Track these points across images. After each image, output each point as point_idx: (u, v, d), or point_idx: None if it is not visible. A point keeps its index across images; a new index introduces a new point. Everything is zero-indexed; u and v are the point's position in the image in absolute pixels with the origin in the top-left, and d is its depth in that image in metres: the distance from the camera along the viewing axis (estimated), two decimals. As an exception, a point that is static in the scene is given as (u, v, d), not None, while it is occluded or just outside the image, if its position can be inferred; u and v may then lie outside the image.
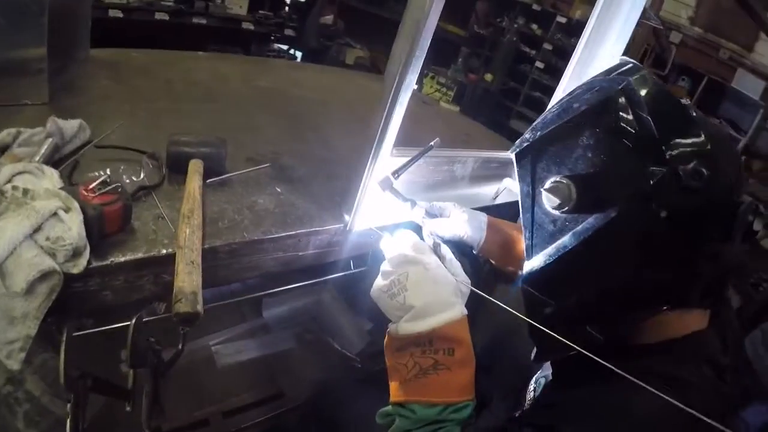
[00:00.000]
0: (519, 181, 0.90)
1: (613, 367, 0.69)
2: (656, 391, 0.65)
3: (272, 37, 5.41)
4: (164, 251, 0.97)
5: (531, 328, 0.84)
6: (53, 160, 1.16)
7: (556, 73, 6.73)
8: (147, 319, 0.93)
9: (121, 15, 4.06)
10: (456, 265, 1.01)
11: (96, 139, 1.29)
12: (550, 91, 6.64)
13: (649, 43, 5.61)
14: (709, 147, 0.74)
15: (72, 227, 0.86)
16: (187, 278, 0.87)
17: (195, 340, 1.73)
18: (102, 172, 1.11)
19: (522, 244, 0.96)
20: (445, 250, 1.02)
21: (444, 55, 7.19)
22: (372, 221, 1.25)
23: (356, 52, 5.90)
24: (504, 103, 7.25)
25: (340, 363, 1.86)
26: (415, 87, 1.07)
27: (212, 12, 4.63)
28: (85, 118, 1.31)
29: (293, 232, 1.17)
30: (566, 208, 0.80)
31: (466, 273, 1.03)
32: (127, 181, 1.14)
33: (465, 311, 0.91)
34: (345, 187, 1.30)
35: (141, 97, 1.67)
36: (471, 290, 0.99)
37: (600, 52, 1.76)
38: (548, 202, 0.82)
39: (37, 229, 0.85)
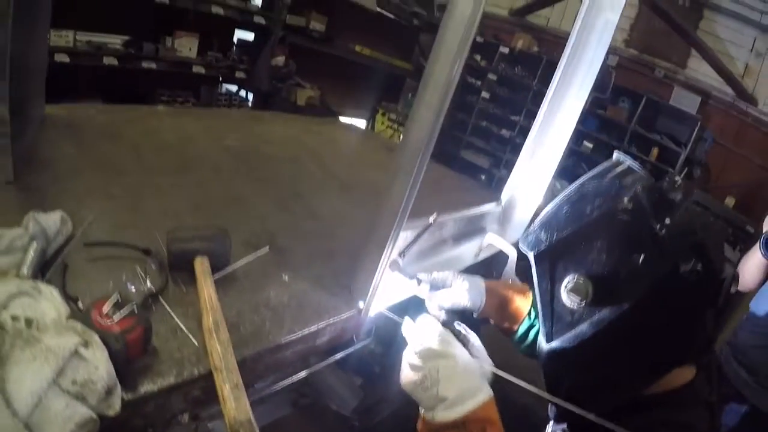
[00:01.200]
0: (537, 278, 1.00)
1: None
2: None
3: (221, 80, 5.36)
4: (196, 372, 0.91)
5: (551, 394, 0.97)
6: (40, 264, 1.06)
7: (501, 101, 7.00)
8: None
9: (67, 60, 3.89)
10: (480, 349, 1.06)
11: (79, 231, 1.20)
12: (496, 120, 6.92)
13: None
14: (704, 245, 0.84)
15: (99, 365, 0.78)
16: (237, 405, 0.82)
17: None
18: (109, 285, 1.01)
19: (515, 302, 1.33)
20: (473, 338, 1.07)
21: (392, 89, 7.32)
22: (382, 302, 1.27)
23: (307, 92, 5.90)
24: (452, 134, 7.40)
25: (337, 424, 1.86)
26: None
27: (162, 56, 4.51)
28: (58, 200, 1.25)
29: (314, 328, 1.15)
30: (583, 304, 0.90)
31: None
32: (132, 289, 1.06)
33: (491, 392, 0.97)
34: (347, 266, 1.32)
35: (112, 169, 1.59)
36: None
37: (569, 92, 1.91)
38: (567, 298, 0.91)
39: (60, 373, 0.76)
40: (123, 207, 1.38)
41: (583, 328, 0.90)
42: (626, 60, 6.47)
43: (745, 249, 2.66)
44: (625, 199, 0.88)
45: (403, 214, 1.09)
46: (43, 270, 1.06)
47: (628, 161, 0.98)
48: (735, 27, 5.87)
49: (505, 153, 6.91)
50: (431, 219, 1.30)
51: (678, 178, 0.93)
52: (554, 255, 0.96)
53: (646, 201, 0.88)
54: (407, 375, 0.98)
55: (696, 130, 5.58)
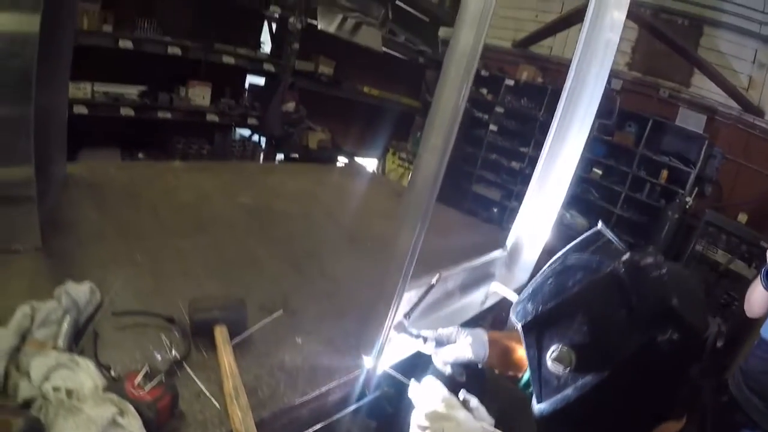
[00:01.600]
0: (526, 346, 1.05)
1: None
2: None
3: (234, 126, 5.51)
4: None
5: None
6: (73, 334, 1.16)
7: (509, 133, 7.08)
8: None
9: (86, 111, 4.03)
10: (482, 411, 1.14)
11: (106, 300, 1.30)
12: (505, 152, 7.01)
13: None
14: (680, 313, 0.89)
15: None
16: None
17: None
18: (140, 356, 1.11)
19: (518, 352, 1.37)
20: (474, 401, 1.15)
21: (401, 128, 7.44)
22: (390, 358, 1.36)
23: (318, 135, 6.06)
24: (464, 169, 7.50)
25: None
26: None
27: (176, 105, 4.66)
28: (84, 267, 1.35)
29: (326, 388, 1.25)
30: (567, 370, 0.96)
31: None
32: (159, 357, 1.15)
33: None
34: (357, 326, 1.42)
35: (133, 233, 1.69)
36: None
37: (575, 116, 2.01)
38: (552, 365, 0.98)
39: (99, 439, 0.85)
40: (146, 273, 1.48)
41: (569, 392, 0.96)
42: (630, 83, 6.51)
43: (759, 266, 2.63)
44: (603, 274, 0.95)
45: (405, 278, 1.18)
46: (76, 339, 1.16)
47: (608, 234, 1.05)
48: (736, 40, 5.89)
49: (515, 185, 6.95)
50: (434, 280, 1.39)
51: (652, 249, 1.00)
52: (540, 325, 1.02)
53: (623, 274, 0.94)
54: None
55: (704, 148, 5.58)
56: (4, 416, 0.86)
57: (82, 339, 1.17)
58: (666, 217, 5.60)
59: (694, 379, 0.96)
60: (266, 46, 5.63)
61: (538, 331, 1.02)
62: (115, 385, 0.97)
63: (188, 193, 2.12)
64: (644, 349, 0.88)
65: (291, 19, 5.06)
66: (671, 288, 0.93)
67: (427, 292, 1.38)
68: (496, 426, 1.14)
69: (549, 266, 1.07)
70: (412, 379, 1.19)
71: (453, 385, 1.21)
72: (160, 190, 2.09)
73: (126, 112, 4.34)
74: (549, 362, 0.98)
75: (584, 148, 6.07)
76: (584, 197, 6.42)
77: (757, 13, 5.66)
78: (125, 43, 4.10)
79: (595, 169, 6.38)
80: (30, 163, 1.42)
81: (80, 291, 1.25)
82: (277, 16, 5.26)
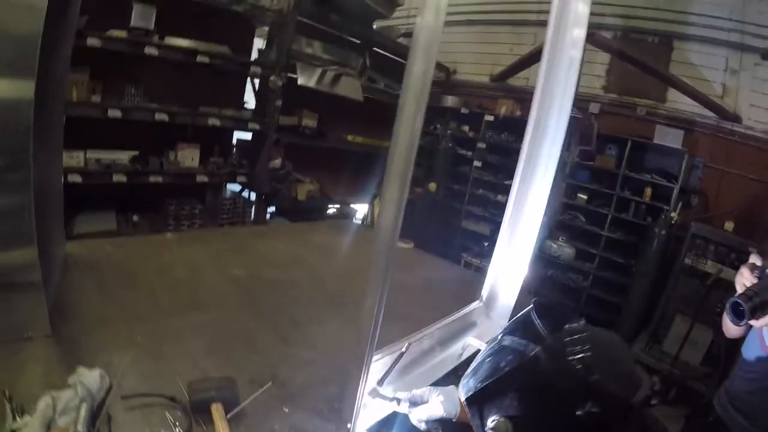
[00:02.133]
0: (471, 416, 1.22)
1: None
2: None
3: (225, 184, 5.71)
4: None
5: None
6: (90, 419, 1.33)
7: (492, 168, 7.34)
8: None
9: (80, 180, 4.18)
10: None
11: (115, 383, 1.47)
12: (491, 187, 7.27)
13: (570, 127, 6.16)
14: (597, 387, 1.04)
15: None
16: None
17: None
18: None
19: None
20: None
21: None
22: (371, 418, 1.53)
23: (306, 187, 6.27)
24: (452, 206, 7.77)
25: None
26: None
27: (166, 169, 4.84)
28: (91, 352, 1.54)
29: None
30: None
31: None
32: (166, 436, 1.33)
33: None
34: (338, 391, 1.59)
35: (132, 315, 1.87)
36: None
37: (542, 150, 2.14)
38: None
39: None
40: (147, 354, 1.66)
41: None
42: (607, 105, 6.72)
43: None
44: (528, 358, 1.12)
45: (371, 345, 1.35)
46: (93, 422, 1.33)
47: (534, 319, 1.21)
48: (706, 50, 6.04)
49: (503, 217, 7.12)
50: (403, 348, 1.58)
51: (579, 325, 1.15)
52: (480, 399, 1.18)
53: (544, 359, 1.10)
54: None
55: (684, 161, 5.72)
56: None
57: (97, 421, 1.34)
58: (653, 234, 5.76)
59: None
60: (250, 104, 5.85)
61: (479, 404, 1.19)
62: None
63: (182, 269, 2.32)
64: (566, 420, 1.04)
65: (272, 77, 5.29)
66: (592, 363, 1.08)
67: (397, 361, 1.56)
68: None
69: (488, 346, 1.25)
70: None
71: None
72: (156, 267, 2.28)
73: (118, 178, 4.50)
74: (489, 431, 1.15)
75: (567, 175, 6.32)
76: (571, 223, 6.63)
77: (724, 21, 5.85)
78: (114, 113, 4.28)
79: (580, 195, 6.58)
80: (33, 244, 1.50)
81: (92, 378, 1.42)
82: (258, 74, 5.46)
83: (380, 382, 1.53)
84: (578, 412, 1.01)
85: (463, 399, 1.24)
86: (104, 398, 1.42)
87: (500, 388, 1.15)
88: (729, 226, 5.60)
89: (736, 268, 1.98)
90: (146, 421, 1.38)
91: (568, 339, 1.12)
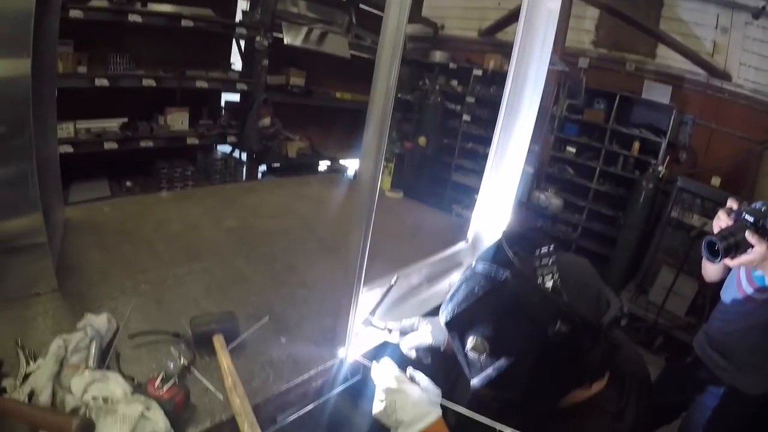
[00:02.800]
0: (451, 339, 1.33)
1: None
2: None
3: (216, 146, 5.74)
4: (224, 417, 1.32)
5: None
6: (100, 357, 1.44)
7: (482, 122, 7.39)
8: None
9: (71, 150, 4.23)
10: (428, 384, 1.39)
11: (122, 325, 1.57)
12: (480, 140, 7.34)
13: (558, 80, 6.17)
14: (567, 306, 1.12)
15: (159, 421, 1.17)
16: None
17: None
18: (155, 366, 1.43)
19: None
20: (420, 377, 1.41)
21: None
22: (359, 349, 1.65)
23: (297, 144, 6.29)
24: (443, 160, 7.83)
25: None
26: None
27: (156, 133, 4.87)
28: (98, 301, 1.65)
29: (306, 376, 1.55)
30: (484, 356, 1.23)
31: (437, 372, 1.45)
32: (171, 365, 1.44)
33: (439, 413, 1.32)
34: (332, 324, 1.69)
35: (134, 269, 1.95)
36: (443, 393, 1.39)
37: (522, 100, 2.21)
38: (472, 353, 1.25)
39: (133, 430, 1.14)
40: (151, 300, 1.76)
41: (489, 371, 1.21)
42: (596, 60, 6.68)
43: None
44: (498, 283, 1.17)
45: (359, 277, 1.47)
46: (102, 360, 1.43)
47: (505, 247, 1.26)
48: (697, 7, 5.97)
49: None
50: (392, 281, 1.67)
51: (547, 250, 1.23)
52: (458, 323, 1.27)
53: (515, 282, 1.16)
54: (376, 406, 1.35)
55: (672, 117, 5.77)
56: (65, 416, 1.15)
57: (107, 359, 1.44)
58: (641, 187, 5.83)
59: (598, 354, 1.18)
60: (237, 66, 5.85)
61: (458, 328, 1.29)
62: (139, 389, 1.26)
63: (178, 223, 2.39)
64: (538, 339, 1.12)
65: (257, 38, 5.28)
66: (562, 286, 1.17)
67: (387, 293, 1.66)
68: (450, 392, 1.42)
69: (463, 273, 1.33)
70: (374, 362, 1.45)
71: (419, 366, 1.46)
72: (153, 224, 2.35)
73: (109, 145, 4.53)
74: (469, 352, 1.25)
75: (556, 128, 6.34)
76: (561, 176, 6.70)
77: (716, -22, 5.78)
78: (101, 81, 4.28)
79: (569, 148, 6.62)
80: (38, 209, 1.59)
81: (100, 321, 1.51)
82: (244, 35, 5.45)
83: (372, 312, 1.65)
84: (549, 331, 1.10)
85: (442, 324, 1.33)
86: (112, 338, 1.52)
87: (475, 311, 1.23)
88: (716, 181, 5.68)
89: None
90: (152, 356, 1.49)
91: (537, 264, 1.21)
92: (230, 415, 1.31)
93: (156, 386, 1.26)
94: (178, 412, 1.25)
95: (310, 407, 1.62)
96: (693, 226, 5.29)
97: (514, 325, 1.17)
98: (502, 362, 1.19)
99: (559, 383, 1.21)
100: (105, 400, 1.20)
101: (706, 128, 6.04)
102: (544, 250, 1.25)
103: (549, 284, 1.17)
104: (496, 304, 1.20)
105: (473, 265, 1.29)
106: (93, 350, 1.41)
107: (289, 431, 1.56)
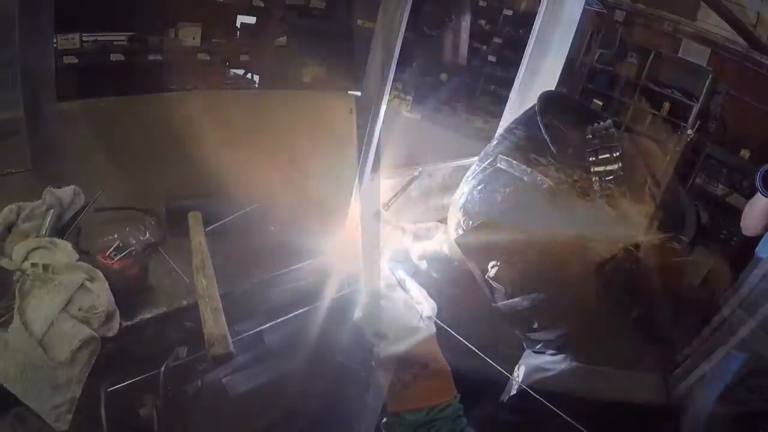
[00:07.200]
0: (467, 258, 1.08)
1: None
2: None
3: (227, 64, 5.47)
4: (185, 302, 1.10)
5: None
6: (57, 229, 1.24)
7: (508, 65, 6.91)
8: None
9: (75, 60, 4.07)
10: (421, 294, 1.13)
11: (91, 202, 1.36)
12: (504, 83, 6.88)
13: (595, 25, 5.86)
14: None
15: (101, 295, 0.96)
16: (215, 324, 0.99)
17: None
18: (113, 236, 1.20)
19: None
20: (411, 285, 1.14)
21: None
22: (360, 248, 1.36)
23: (312, 69, 5.96)
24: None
25: (345, 375, 1.96)
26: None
27: (167, 47, 4.66)
28: (72, 181, 1.39)
29: (293, 267, 1.33)
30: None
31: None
32: (134, 241, 1.23)
33: (432, 331, 1.05)
34: (330, 213, 1.41)
35: (120, 155, 1.73)
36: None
37: (551, 42, 1.96)
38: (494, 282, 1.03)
39: (69, 302, 0.94)
40: (132, 179, 1.55)
41: (518, 300, 1.00)
42: (633, 14, 6.32)
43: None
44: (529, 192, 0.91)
45: (364, 163, 1.22)
46: (60, 234, 1.23)
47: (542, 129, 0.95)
48: None
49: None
50: (416, 172, 1.41)
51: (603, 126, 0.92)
52: (474, 238, 1.03)
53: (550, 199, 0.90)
54: (357, 311, 1.08)
55: (707, 83, 5.47)
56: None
57: (66, 235, 1.24)
58: (667, 149, 5.50)
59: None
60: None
61: (474, 244, 1.04)
62: (87, 257, 1.05)
63: (176, 118, 2.16)
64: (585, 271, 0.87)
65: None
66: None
67: (409, 183, 1.40)
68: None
69: (479, 164, 1.07)
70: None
71: (427, 281, 1.20)
72: (151, 118, 2.13)
73: (116, 57, 4.37)
74: (490, 279, 1.01)
75: (585, 78, 5.95)
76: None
77: (769, -53, 5.41)
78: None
79: (596, 101, 6.25)
80: (18, 104, 1.52)
81: (64, 192, 1.32)
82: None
83: (386, 206, 1.36)
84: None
85: (452, 239, 1.08)
86: (77, 213, 1.32)
87: (495, 227, 0.98)
88: (745, 153, 5.42)
89: (748, 197, 1.90)
90: (122, 233, 1.27)
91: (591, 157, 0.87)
92: (193, 301, 1.09)
93: (107, 255, 1.05)
94: (131, 289, 1.05)
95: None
96: (717, 196, 5.13)
97: (552, 249, 0.91)
98: (535, 296, 0.96)
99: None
100: (46, 268, 1.00)
101: (740, 101, 5.67)
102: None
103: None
104: (526, 224, 0.93)
105: (493, 158, 1.01)
106: (48, 219, 1.21)
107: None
